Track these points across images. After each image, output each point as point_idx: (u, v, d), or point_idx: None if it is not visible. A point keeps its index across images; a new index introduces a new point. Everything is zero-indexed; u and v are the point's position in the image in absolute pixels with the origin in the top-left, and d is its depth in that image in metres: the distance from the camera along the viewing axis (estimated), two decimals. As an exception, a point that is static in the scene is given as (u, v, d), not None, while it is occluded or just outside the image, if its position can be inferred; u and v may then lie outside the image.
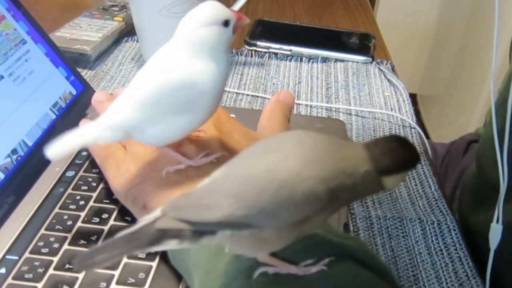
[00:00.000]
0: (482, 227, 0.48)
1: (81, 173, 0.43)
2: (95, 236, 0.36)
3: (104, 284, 0.33)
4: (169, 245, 0.23)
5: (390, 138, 0.24)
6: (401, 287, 0.38)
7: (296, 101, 0.60)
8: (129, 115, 0.30)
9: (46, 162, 0.43)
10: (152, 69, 0.31)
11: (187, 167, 0.34)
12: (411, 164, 0.24)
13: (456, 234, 0.42)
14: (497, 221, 0.39)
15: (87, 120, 0.43)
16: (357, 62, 0.70)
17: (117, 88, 0.48)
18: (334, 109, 0.59)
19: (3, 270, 0.34)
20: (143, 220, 0.23)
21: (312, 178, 0.21)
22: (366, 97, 0.62)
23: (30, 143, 0.43)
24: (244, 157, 0.24)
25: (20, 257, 0.35)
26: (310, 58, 0.70)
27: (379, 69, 0.69)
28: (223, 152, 0.35)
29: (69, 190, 0.41)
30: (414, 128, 0.57)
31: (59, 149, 0.30)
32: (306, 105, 0.60)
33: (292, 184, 0.21)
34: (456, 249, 0.41)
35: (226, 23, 0.30)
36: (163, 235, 0.23)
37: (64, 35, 0.66)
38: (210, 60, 0.30)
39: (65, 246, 0.36)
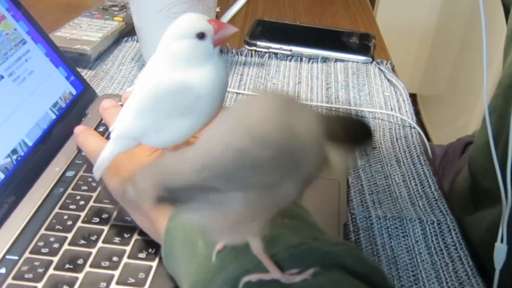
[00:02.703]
0: (472, 229, 0.48)
1: (81, 173, 0.43)
2: (95, 236, 0.36)
3: (104, 284, 0.33)
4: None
5: (347, 115, 0.24)
6: (395, 286, 0.38)
7: (296, 101, 0.60)
8: (133, 124, 0.32)
9: (46, 162, 0.43)
10: (147, 79, 0.32)
11: None
12: (358, 138, 0.23)
13: (456, 234, 0.42)
14: (501, 240, 0.38)
15: (82, 127, 0.44)
16: (357, 62, 0.70)
17: (125, 92, 0.49)
18: (334, 109, 0.59)
19: (3, 270, 0.34)
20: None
21: (263, 142, 0.22)
22: (366, 97, 0.62)
23: (30, 143, 0.43)
24: (208, 131, 0.25)
25: (20, 257, 0.35)
26: (310, 58, 0.70)
27: (379, 69, 0.69)
28: None
29: (69, 190, 0.41)
30: (414, 128, 0.57)
31: (99, 169, 0.34)
32: (306, 105, 0.60)
33: (244, 150, 0.22)
34: (456, 249, 0.41)
35: (201, 36, 0.30)
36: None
37: (64, 35, 0.66)
38: (196, 69, 0.30)
39: (65, 246, 0.36)
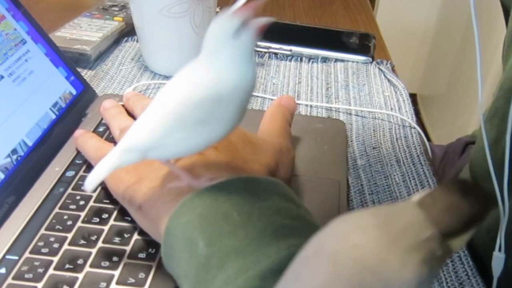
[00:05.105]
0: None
1: (81, 173, 0.43)
2: (95, 236, 0.36)
3: (104, 284, 0.33)
4: None
5: (448, 188, 0.21)
6: None
7: (296, 101, 0.60)
8: (145, 137, 0.30)
9: (46, 162, 0.43)
10: (175, 88, 0.29)
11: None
12: (479, 218, 0.20)
13: (456, 234, 0.42)
14: (499, 250, 0.38)
15: (81, 130, 0.44)
16: (357, 62, 0.70)
17: (126, 92, 0.49)
18: (334, 109, 0.59)
19: (3, 270, 0.34)
20: None
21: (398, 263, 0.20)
22: (366, 97, 0.62)
23: (30, 143, 0.43)
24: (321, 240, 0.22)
25: (20, 257, 0.35)
26: (310, 58, 0.70)
27: (379, 69, 0.69)
28: (220, 170, 0.34)
29: (69, 190, 0.41)
30: (414, 128, 0.57)
31: (93, 181, 0.32)
32: (306, 105, 0.60)
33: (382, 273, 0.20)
34: (456, 249, 0.41)
35: (243, 25, 0.27)
36: None
37: (64, 35, 0.66)
38: (234, 68, 0.28)
39: (65, 246, 0.36)
